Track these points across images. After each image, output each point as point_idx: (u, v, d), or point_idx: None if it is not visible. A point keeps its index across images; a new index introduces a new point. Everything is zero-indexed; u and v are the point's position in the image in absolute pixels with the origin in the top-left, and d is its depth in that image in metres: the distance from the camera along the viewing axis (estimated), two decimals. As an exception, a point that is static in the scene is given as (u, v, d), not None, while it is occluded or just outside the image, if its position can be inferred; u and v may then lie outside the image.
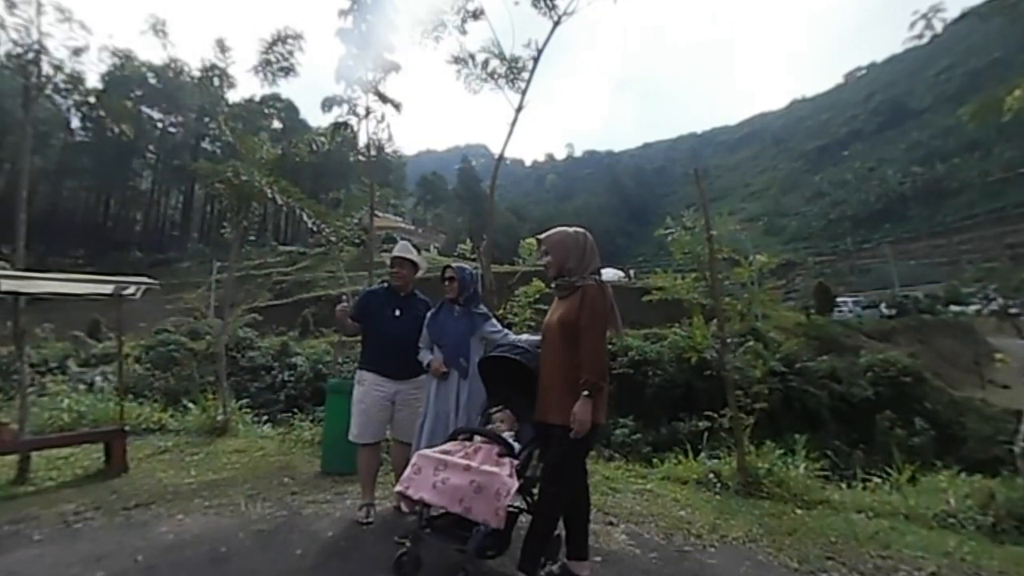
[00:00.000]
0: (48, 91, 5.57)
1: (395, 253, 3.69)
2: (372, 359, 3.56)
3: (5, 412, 7.01)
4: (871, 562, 3.07)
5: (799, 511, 3.91)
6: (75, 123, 56.23)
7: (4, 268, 5.20)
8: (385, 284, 3.87)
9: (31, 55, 5.20)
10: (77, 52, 5.55)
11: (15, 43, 5.14)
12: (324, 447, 4.92)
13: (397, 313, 3.58)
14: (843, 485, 4.86)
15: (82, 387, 10.90)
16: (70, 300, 6.04)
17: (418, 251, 3.98)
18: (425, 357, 3.36)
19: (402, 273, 3.66)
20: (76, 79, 5.85)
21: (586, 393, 2.39)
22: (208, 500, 3.93)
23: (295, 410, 9.59)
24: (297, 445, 5.85)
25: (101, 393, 9.51)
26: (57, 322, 25.26)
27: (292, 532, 3.28)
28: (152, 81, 61.56)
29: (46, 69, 5.34)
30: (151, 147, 65.37)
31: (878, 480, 5.06)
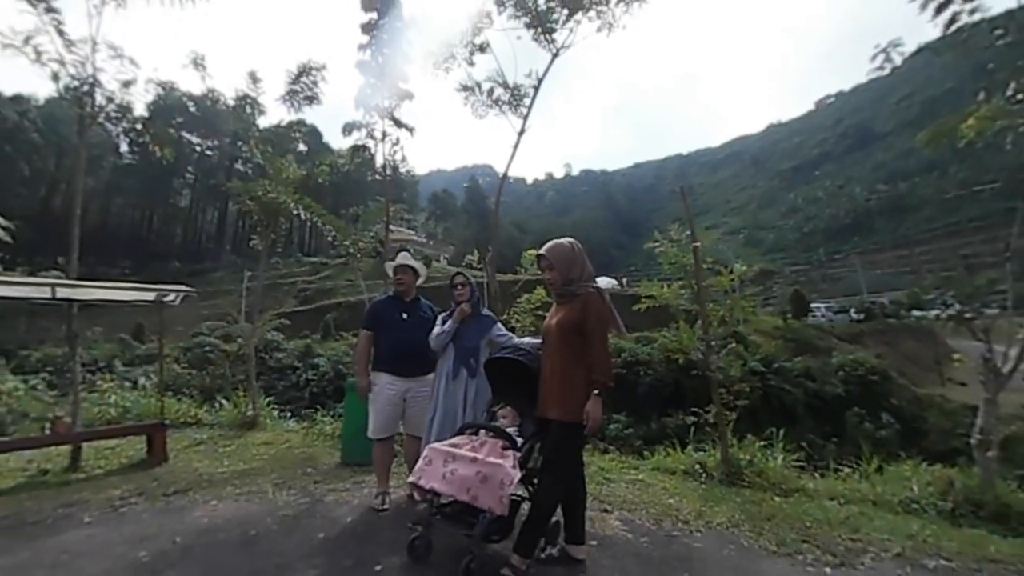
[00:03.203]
0: (100, 119, 5.60)
1: (397, 262, 3.70)
2: (384, 359, 3.55)
3: (60, 407, 7.04)
4: (843, 544, 3.04)
5: (777, 498, 3.87)
6: (123, 147, 56.90)
7: (59, 277, 5.24)
8: (390, 293, 3.88)
9: (86, 87, 5.26)
10: (126, 84, 5.62)
11: (73, 77, 5.22)
12: (344, 440, 4.91)
13: (404, 316, 3.59)
14: (817, 475, 4.82)
15: (127, 384, 10.91)
16: (117, 306, 6.07)
17: (427, 263, 3.99)
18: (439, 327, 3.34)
19: (405, 279, 3.67)
20: (125, 108, 5.92)
21: (596, 392, 2.38)
22: (239, 488, 3.93)
23: (317, 406, 9.59)
24: (319, 438, 5.84)
25: (144, 390, 9.51)
26: (105, 326, 25.40)
27: (315, 517, 3.28)
28: (192, 109, 62.15)
29: (99, 100, 5.40)
30: (190, 168, 65.84)
31: (848, 470, 5.01)
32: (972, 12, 3.87)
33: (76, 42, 5.14)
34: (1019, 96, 3.90)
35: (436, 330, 3.36)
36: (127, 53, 5.48)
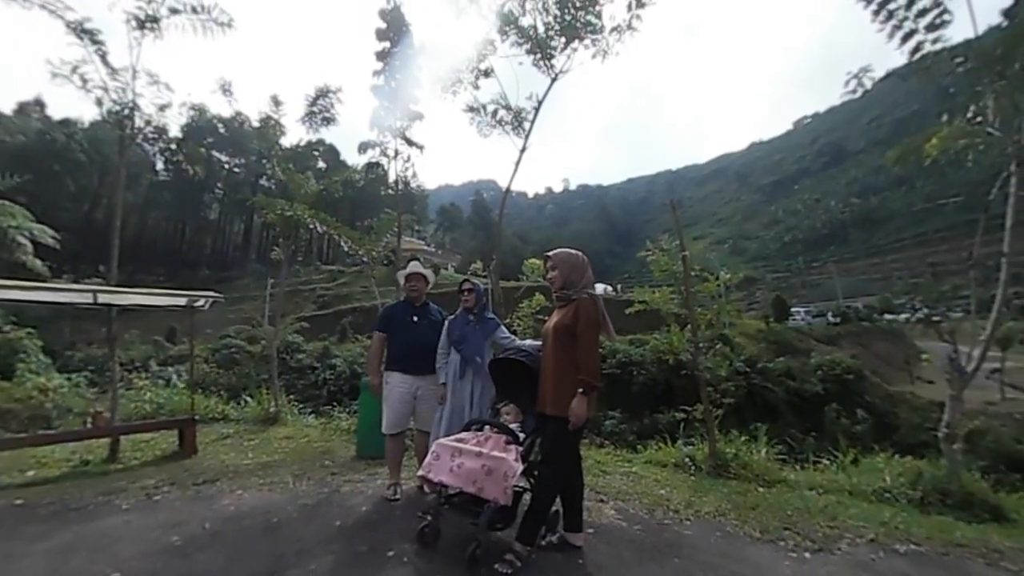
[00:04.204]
0: (139, 140, 5.64)
1: (410, 270, 3.71)
2: (396, 359, 3.54)
3: (100, 403, 7.06)
4: (821, 531, 3.02)
5: (761, 489, 3.86)
6: (159, 165, 57.32)
7: (101, 284, 5.27)
8: (401, 299, 3.89)
9: (127, 112, 5.32)
10: (162, 108, 5.63)
11: (115, 102, 5.28)
12: (359, 435, 4.89)
13: (415, 319, 3.59)
14: (797, 467, 4.79)
15: (161, 382, 10.94)
16: (152, 310, 6.09)
17: (436, 271, 4.01)
18: (441, 375, 3.35)
19: (417, 286, 3.68)
20: (161, 130, 5.93)
21: (581, 391, 2.36)
22: (262, 478, 3.92)
23: (334, 403, 9.57)
24: (336, 433, 5.82)
25: (176, 388, 9.53)
26: (141, 328, 25.50)
27: (332, 506, 3.27)
28: (221, 130, 62.66)
29: (138, 123, 5.45)
30: (219, 184, 66.36)
31: (826, 462, 5.00)
32: (935, 41, 3.91)
33: (118, 70, 5.22)
34: (978, 118, 3.93)
35: (439, 362, 3.37)
36: (163, 79, 5.53)
